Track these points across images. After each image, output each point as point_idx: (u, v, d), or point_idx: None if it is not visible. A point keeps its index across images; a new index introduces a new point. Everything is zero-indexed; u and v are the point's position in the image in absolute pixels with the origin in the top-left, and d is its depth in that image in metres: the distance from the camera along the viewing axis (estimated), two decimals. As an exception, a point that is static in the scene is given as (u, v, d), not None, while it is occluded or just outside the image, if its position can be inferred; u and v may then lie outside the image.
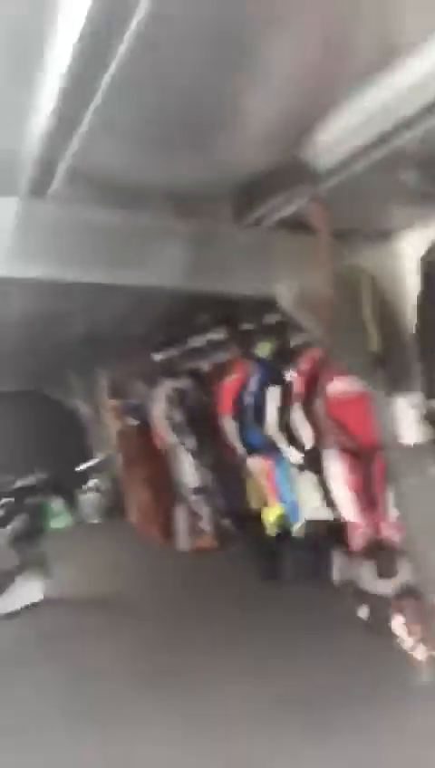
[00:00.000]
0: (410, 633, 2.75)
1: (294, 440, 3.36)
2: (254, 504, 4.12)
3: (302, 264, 2.64)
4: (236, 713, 2.84)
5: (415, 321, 2.78)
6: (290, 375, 3.35)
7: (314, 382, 3.19)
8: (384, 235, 2.92)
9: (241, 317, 3.77)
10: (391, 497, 3.01)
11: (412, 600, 2.80)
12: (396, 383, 2.81)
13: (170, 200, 2.26)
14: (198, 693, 3.08)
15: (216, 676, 3.20)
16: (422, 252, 2.74)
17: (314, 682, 2.92)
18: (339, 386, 3.09)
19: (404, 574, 3.17)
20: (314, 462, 3.28)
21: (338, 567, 3.60)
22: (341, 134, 1.87)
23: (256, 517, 4.06)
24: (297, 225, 2.54)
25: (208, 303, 3.60)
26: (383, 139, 1.87)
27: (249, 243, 2.55)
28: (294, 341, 3.36)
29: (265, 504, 3.90)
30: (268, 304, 2.82)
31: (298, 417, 3.25)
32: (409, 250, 2.87)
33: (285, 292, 2.60)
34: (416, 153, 2.04)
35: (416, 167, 2.19)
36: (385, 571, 3.30)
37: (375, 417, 2.85)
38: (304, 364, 3.23)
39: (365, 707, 2.58)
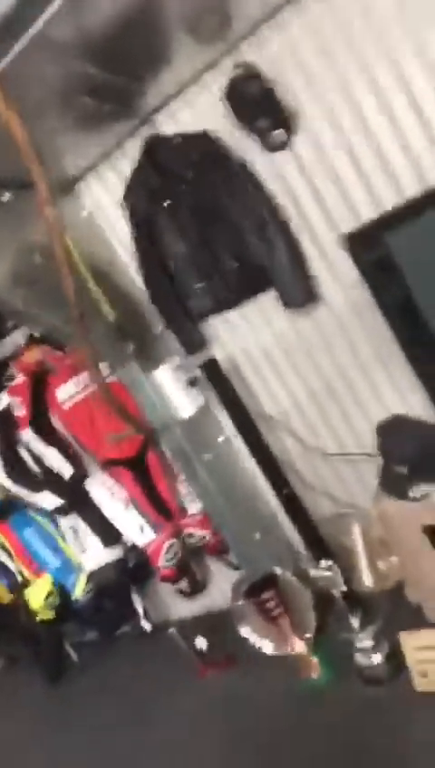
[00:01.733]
0: (269, 633, 2.27)
1: (34, 481, 2.50)
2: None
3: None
4: None
5: (142, 274, 2.32)
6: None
7: (40, 395, 2.41)
8: (67, 187, 2.36)
9: None
10: (183, 490, 2.48)
11: (253, 594, 2.30)
12: (145, 354, 2.29)
13: None
14: None
15: None
16: (118, 195, 2.28)
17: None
18: (72, 387, 2.41)
19: (226, 575, 2.68)
20: (76, 496, 2.49)
21: (147, 611, 2.88)
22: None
23: (13, 610, 3.00)
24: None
25: None
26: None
27: None
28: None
29: (23, 587, 2.89)
30: None
31: (35, 447, 2.42)
32: (100, 197, 2.38)
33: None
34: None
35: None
36: (200, 585, 2.76)
37: (139, 403, 2.26)
38: (20, 375, 2.42)
39: None
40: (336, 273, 2.11)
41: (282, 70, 1.97)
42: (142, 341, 2.28)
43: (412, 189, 1.88)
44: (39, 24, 1.43)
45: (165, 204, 2.21)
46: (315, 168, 2.04)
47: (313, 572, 2.25)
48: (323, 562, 2.11)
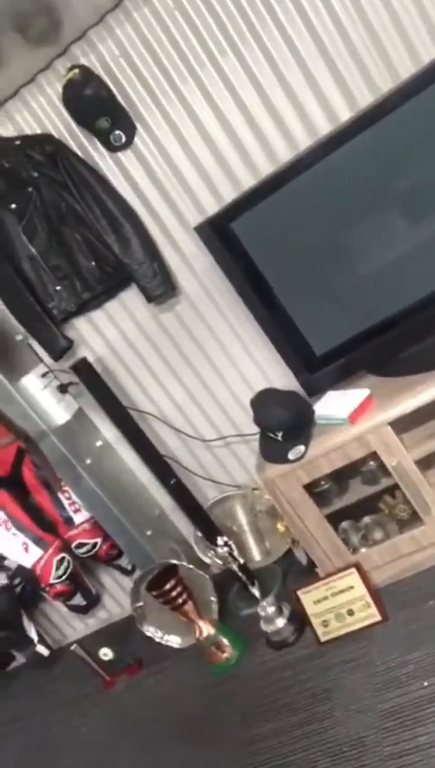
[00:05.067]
0: (175, 626, 2.26)
1: None
2: None
3: None
4: None
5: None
6: None
7: None
8: None
9: None
10: (67, 500, 2.40)
11: (155, 588, 2.28)
12: (9, 363, 2.20)
13: None
14: None
15: None
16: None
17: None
18: None
19: (119, 583, 2.63)
20: None
21: (42, 636, 2.71)
22: None
23: None
24: None
25: None
26: None
27: None
28: None
29: None
30: None
31: None
32: None
33: None
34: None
35: None
36: (95, 597, 2.67)
37: (10, 415, 2.16)
38: None
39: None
40: (189, 263, 2.20)
41: (116, 71, 2.03)
42: (4, 350, 2.19)
43: (248, 181, 2.05)
44: None
45: (11, 207, 2.15)
46: (158, 166, 2.12)
47: (209, 556, 2.31)
48: (220, 539, 2.17)
